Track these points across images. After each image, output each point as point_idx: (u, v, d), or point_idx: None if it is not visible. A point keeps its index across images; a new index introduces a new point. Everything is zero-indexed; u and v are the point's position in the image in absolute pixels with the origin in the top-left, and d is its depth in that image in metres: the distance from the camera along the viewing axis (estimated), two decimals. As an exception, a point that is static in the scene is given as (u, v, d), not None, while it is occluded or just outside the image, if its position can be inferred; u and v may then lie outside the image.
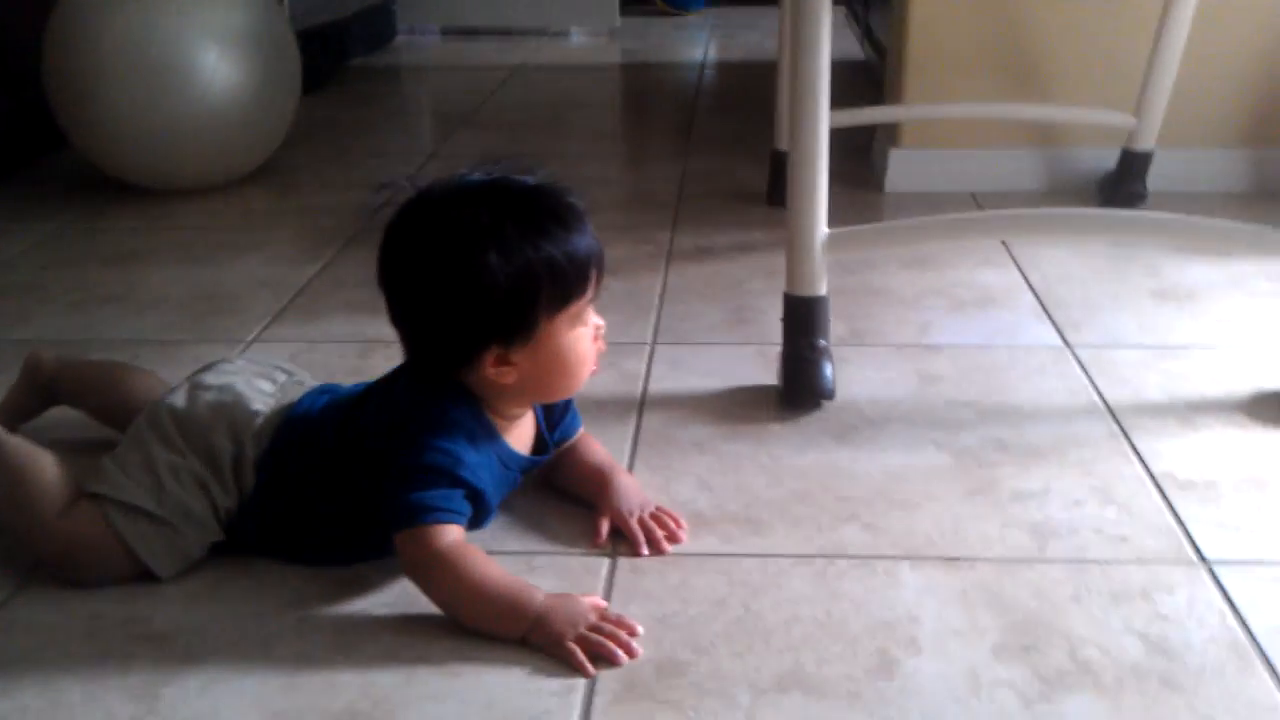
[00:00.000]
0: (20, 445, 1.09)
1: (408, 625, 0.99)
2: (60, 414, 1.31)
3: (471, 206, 0.99)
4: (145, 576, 1.05)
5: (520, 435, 1.10)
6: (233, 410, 1.08)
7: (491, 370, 1.02)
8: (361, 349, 1.54)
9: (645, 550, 1.08)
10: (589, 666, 0.92)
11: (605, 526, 1.10)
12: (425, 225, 1.01)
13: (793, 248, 1.33)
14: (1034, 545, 1.08)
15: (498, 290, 0.98)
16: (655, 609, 1.00)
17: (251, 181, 2.33)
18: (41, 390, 1.31)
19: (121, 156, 2.19)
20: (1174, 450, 1.25)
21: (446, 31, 4.25)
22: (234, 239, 2.01)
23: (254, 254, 1.93)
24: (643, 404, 1.38)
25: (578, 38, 4.23)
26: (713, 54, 3.89)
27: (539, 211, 1.02)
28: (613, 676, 0.92)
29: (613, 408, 1.36)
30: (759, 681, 0.91)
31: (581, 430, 1.19)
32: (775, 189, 2.11)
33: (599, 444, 1.19)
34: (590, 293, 1.05)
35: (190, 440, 1.07)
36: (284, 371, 1.16)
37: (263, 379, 1.13)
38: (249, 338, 1.59)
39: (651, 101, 3.33)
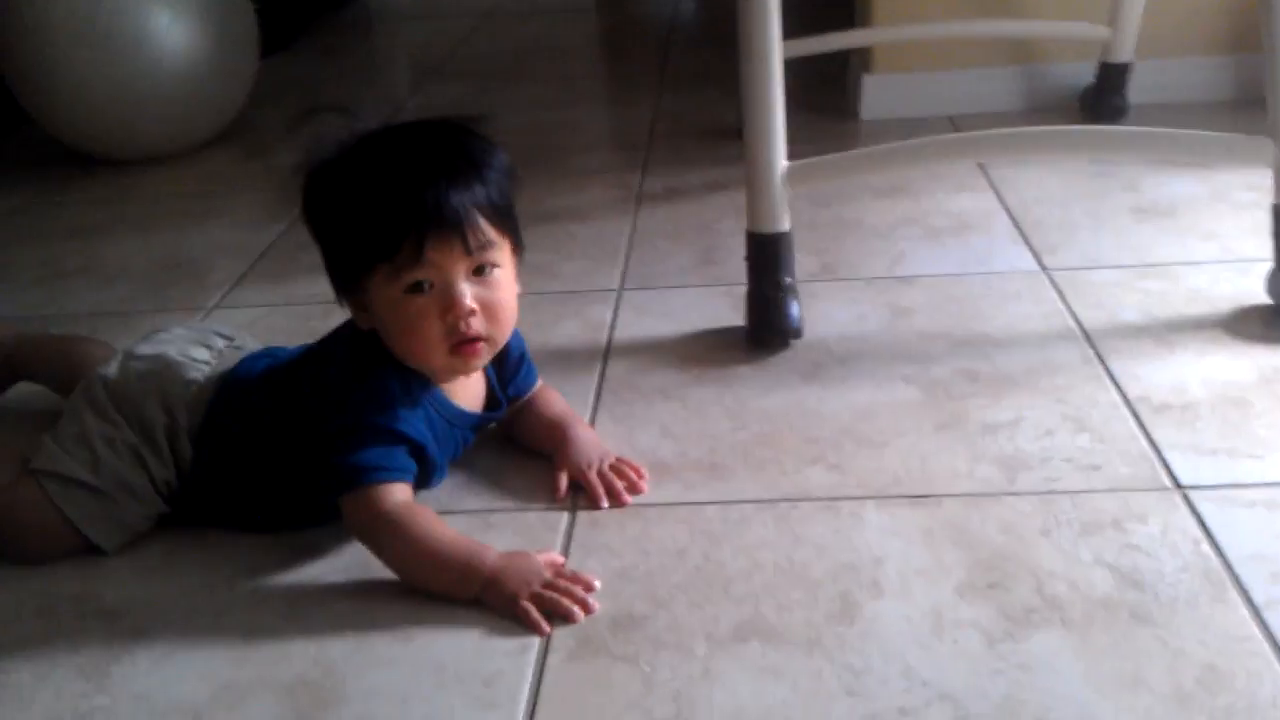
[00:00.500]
0: None
1: (360, 591, 0.97)
2: (29, 391, 1.29)
3: (355, 145, 0.97)
4: (94, 551, 1.03)
5: (468, 393, 1.07)
6: (163, 379, 1.06)
7: (352, 310, 1.01)
8: (325, 309, 1.49)
9: (605, 503, 1.05)
10: (544, 625, 0.90)
11: (564, 481, 1.08)
12: (316, 160, 0.99)
13: (751, 183, 1.30)
14: (1003, 479, 1.06)
15: (324, 233, 0.99)
16: (614, 562, 0.98)
17: (215, 146, 2.28)
18: (1, 366, 1.29)
19: (80, 128, 2.15)
20: (1150, 373, 1.21)
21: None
22: (197, 205, 1.97)
23: (217, 219, 1.89)
24: (608, 352, 1.35)
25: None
26: (690, -11, 3.81)
27: (402, 154, 0.96)
28: (567, 633, 0.90)
29: (577, 357, 1.33)
30: (717, 632, 0.89)
31: (540, 383, 1.16)
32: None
33: (558, 396, 1.17)
34: (408, 257, 0.94)
35: (124, 411, 1.04)
36: (223, 337, 1.14)
37: (198, 346, 1.10)
38: (210, 304, 1.56)
39: (625, 41, 3.26)
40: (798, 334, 1.31)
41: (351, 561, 1.00)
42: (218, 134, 2.29)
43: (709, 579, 0.95)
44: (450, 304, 0.96)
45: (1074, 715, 0.79)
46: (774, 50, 1.24)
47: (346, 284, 1.00)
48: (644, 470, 1.09)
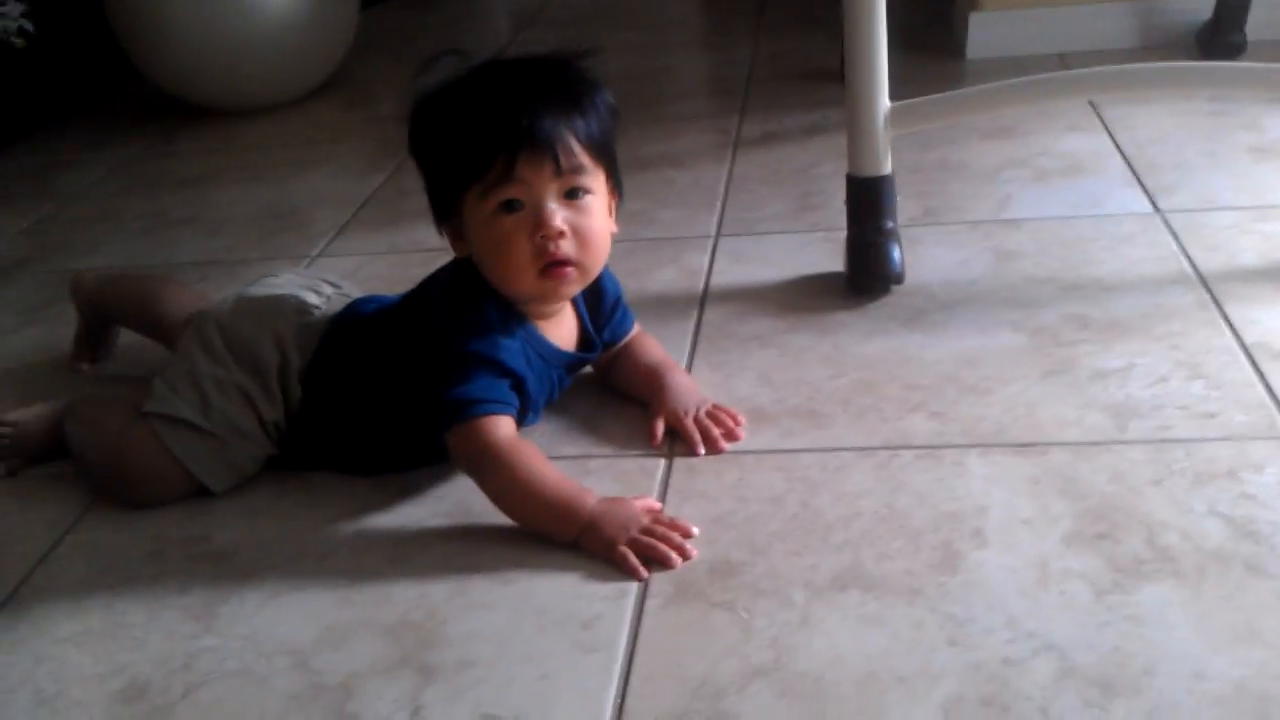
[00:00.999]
0: (90, 399, 1.15)
1: (461, 535, 0.98)
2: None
3: (456, 78, 0.98)
4: (204, 494, 1.06)
5: (561, 332, 1.07)
6: (277, 320, 1.08)
7: (449, 239, 1.02)
8: (425, 258, 1.50)
9: (701, 450, 1.04)
10: (641, 570, 0.90)
11: (660, 428, 1.07)
12: (420, 94, 1.00)
13: (853, 125, 1.27)
14: (1113, 427, 1.03)
15: (424, 161, 1.00)
16: (711, 509, 0.98)
17: (319, 96, 2.31)
18: (89, 311, 1.32)
19: (187, 80, 2.19)
20: (1269, 318, 1.16)
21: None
22: (301, 155, 2.00)
23: (320, 169, 1.92)
24: (704, 299, 1.34)
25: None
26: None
27: (494, 75, 0.97)
28: (665, 579, 0.90)
29: (674, 304, 1.33)
30: (815, 580, 0.88)
31: (637, 329, 1.15)
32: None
33: (655, 342, 1.16)
34: (499, 173, 0.94)
35: (235, 353, 1.06)
36: (331, 284, 1.15)
37: (309, 291, 1.12)
38: (314, 253, 1.58)
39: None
40: (899, 279, 1.28)
41: (453, 506, 1.02)
42: (320, 84, 2.32)
43: (807, 527, 0.94)
44: (540, 223, 0.96)
45: (1184, 669, 0.77)
46: (876, -14, 1.21)
47: (444, 210, 1.01)
48: (741, 417, 1.08)
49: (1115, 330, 1.18)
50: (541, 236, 0.96)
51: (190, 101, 2.25)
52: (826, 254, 1.40)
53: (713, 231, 1.51)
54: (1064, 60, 2.02)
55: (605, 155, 1.00)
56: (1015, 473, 0.98)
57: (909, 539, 0.92)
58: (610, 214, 1.02)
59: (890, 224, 1.28)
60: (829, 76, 2.08)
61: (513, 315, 1.01)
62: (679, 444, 1.07)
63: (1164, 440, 1.00)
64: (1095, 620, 0.82)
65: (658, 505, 0.97)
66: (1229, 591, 0.83)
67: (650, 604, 0.88)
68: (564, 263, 0.97)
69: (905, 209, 1.39)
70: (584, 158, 0.97)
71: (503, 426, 0.97)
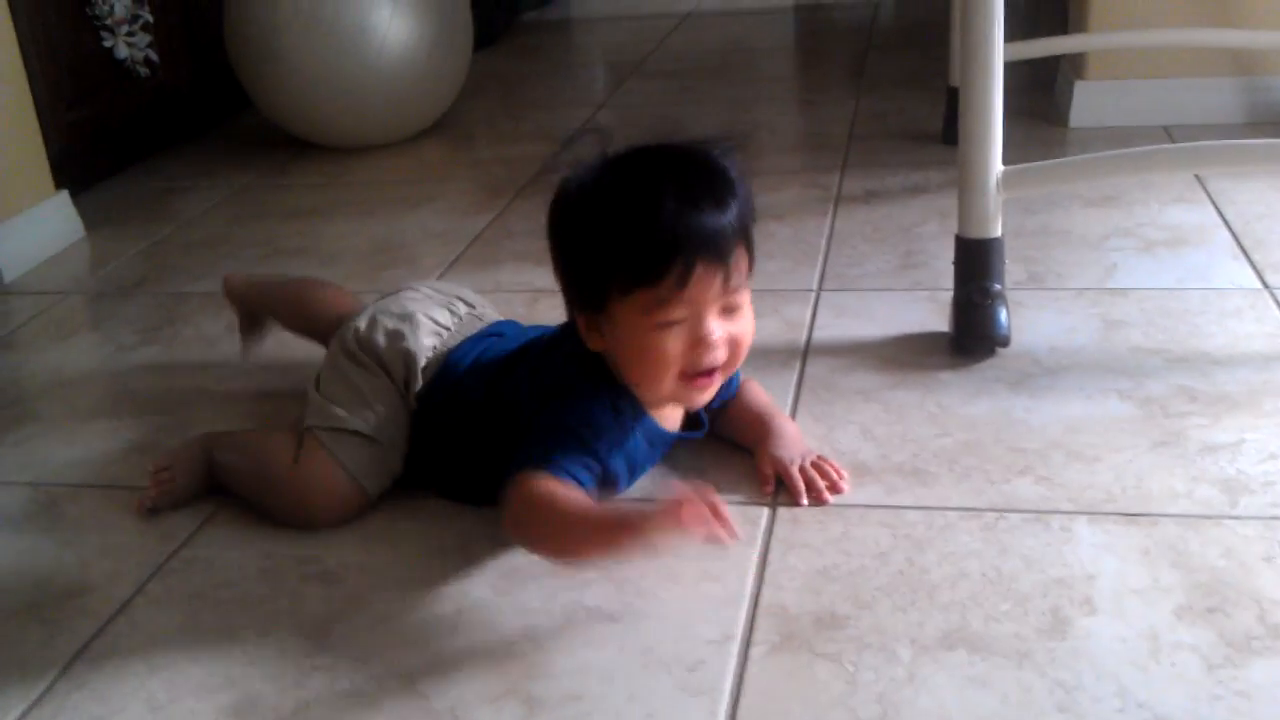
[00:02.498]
0: (248, 430, 1.20)
1: (566, 571, 0.99)
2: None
3: (612, 166, 0.96)
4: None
5: (670, 413, 1.07)
6: (407, 341, 1.10)
7: (584, 331, 0.99)
8: (530, 298, 1.55)
9: (805, 500, 1.05)
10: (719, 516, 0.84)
11: (770, 473, 1.08)
12: (571, 180, 0.98)
13: (965, 186, 1.28)
14: (1224, 501, 1.02)
15: (573, 251, 0.98)
16: (815, 560, 0.98)
17: (427, 136, 2.37)
18: (241, 307, 1.40)
19: (302, 115, 2.26)
20: (1386, 400, 1.15)
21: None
22: (409, 193, 2.05)
23: (428, 206, 1.96)
24: (806, 351, 1.35)
25: (750, -20, 4.15)
26: (889, -9, 3.77)
27: (650, 180, 0.93)
28: (770, 628, 0.91)
29: (776, 355, 1.34)
30: (922, 637, 0.88)
31: (743, 379, 1.16)
32: (951, 127, 2.01)
33: (760, 389, 1.17)
34: (670, 288, 0.92)
35: (381, 364, 1.11)
36: (465, 303, 1.18)
37: (443, 309, 1.15)
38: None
39: (824, 42, 3.24)
40: (1005, 342, 1.28)
41: (558, 542, 1.03)
42: (430, 125, 2.38)
43: (913, 584, 0.95)
44: (699, 341, 0.95)
45: (1302, 750, 0.76)
46: (996, 52, 1.22)
47: (589, 304, 0.98)
48: (845, 471, 1.09)
49: (1224, 404, 1.17)
50: (700, 350, 0.95)
51: (302, 136, 2.31)
52: (930, 313, 1.41)
53: (815, 285, 1.53)
54: (1169, 133, 2.01)
55: (752, 249, 0.98)
56: (1125, 542, 0.97)
57: (1017, 602, 0.91)
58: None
59: (998, 286, 1.29)
60: (930, 138, 2.09)
61: (629, 407, 1.01)
62: (783, 493, 1.07)
63: (1276, 517, 0.99)
64: (1207, 693, 0.81)
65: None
66: (1347, 674, 0.82)
67: (755, 651, 0.89)
68: (712, 370, 0.97)
69: (1010, 273, 1.39)
70: (744, 267, 0.96)
71: (546, 480, 0.95)
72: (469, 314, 1.17)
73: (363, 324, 1.14)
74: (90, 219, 1.98)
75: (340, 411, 1.08)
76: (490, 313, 1.20)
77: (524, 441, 0.99)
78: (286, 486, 1.09)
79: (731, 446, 1.14)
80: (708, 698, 0.84)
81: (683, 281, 0.92)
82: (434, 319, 1.14)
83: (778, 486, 1.08)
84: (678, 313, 0.94)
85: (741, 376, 1.16)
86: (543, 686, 0.87)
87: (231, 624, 0.97)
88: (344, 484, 1.07)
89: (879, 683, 0.84)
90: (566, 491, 0.94)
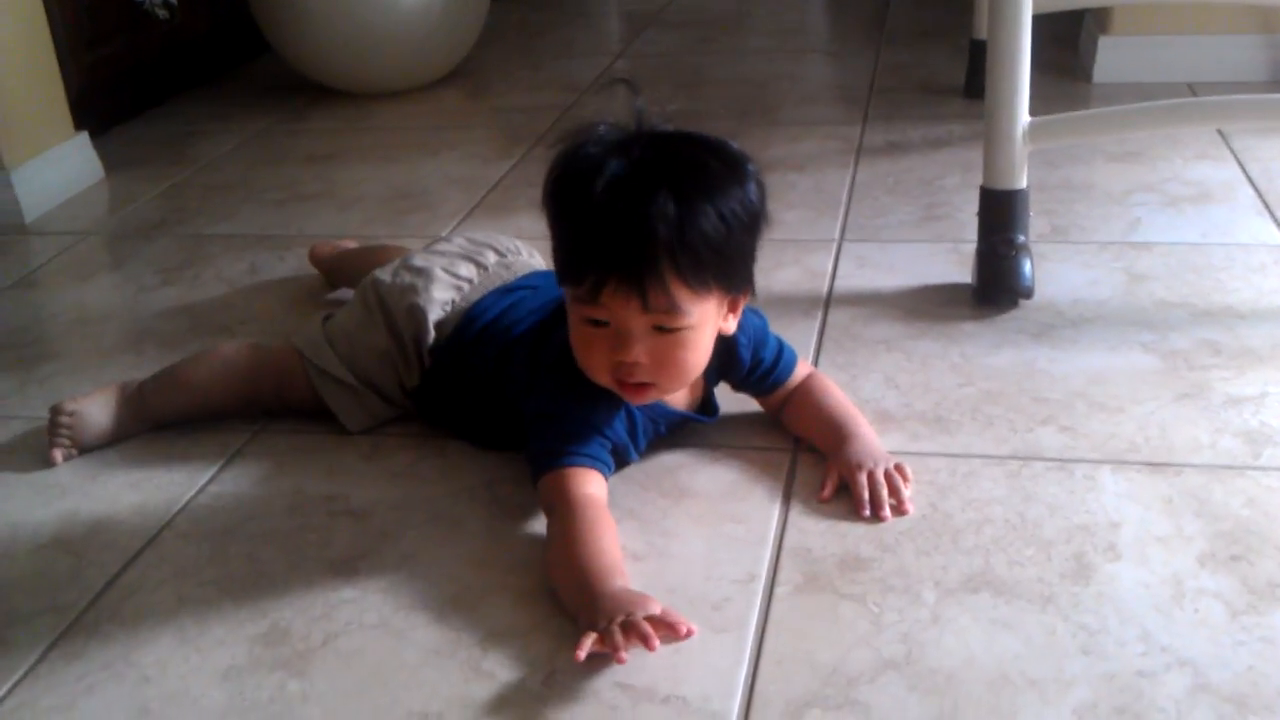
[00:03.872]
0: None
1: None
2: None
3: (607, 150, 0.90)
4: (343, 435, 1.13)
5: (677, 395, 1.04)
6: (418, 297, 1.11)
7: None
8: (549, 246, 1.55)
9: (865, 511, 0.96)
10: (622, 652, 0.80)
11: (833, 482, 1.00)
12: (566, 154, 0.93)
13: (991, 137, 1.27)
14: (1248, 452, 1.02)
15: (553, 231, 0.94)
16: (838, 505, 0.99)
17: (445, 84, 2.36)
18: (326, 277, 1.46)
19: (321, 61, 2.24)
20: None
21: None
22: (428, 139, 2.04)
23: (447, 153, 1.96)
24: (828, 301, 1.35)
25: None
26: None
27: (631, 184, 0.88)
28: (793, 568, 0.92)
29: (797, 304, 1.34)
30: (946, 580, 0.89)
31: (808, 371, 1.10)
32: (973, 80, 2.01)
33: (834, 387, 1.09)
34: (590, 294, 0.89)
35: (386, 316, 1.12)
36: (497, 252, 1.17)
37: (468, 262, 1.15)
38: (444, 233, 1.62)
39: (844, -4, 3.22)
40: (1029, 294, 1.28)
41: (582, 483, 1.04)
42: (448, 73, 2.36)
43: (937, 529, 0.95)
44: (618, 347, 0.92)
45: (1324, 695, 0.77)
46: (1025, 1, 1.21)
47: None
48: (910, 483, 1.00)
49: (1248, 358, 1.17)
50: (617, 358, 0.92)
51: (320, 81, 2.30)
52: (952, 264, 1.41)
53: (836, 235, 1.52)
54: (1192, 89, 1.99)
55: (726, 271, 0.92)
56: (1149, 491, 0.98)
57: (1040, 548, 0.92)
58: (726, 317, 0.97)
59: (1022, 238, 1.29)
60: (953, 91, 2.08)
61: None
62: (803, 445, 1.07)
63: (1300, 469, 0.99)
64: (1230, 639, 0.82)
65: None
66: (1370, 622, 0.82)
67: (779, 590, 0.90)
68: (640, 384, 0.94)
69: (1033, 226, 1.39)
70: (680, 296, 0.89)
71: (589, 482, 0.95)
72: (498, 264, 1.16)
73: (385, 275, 1.15)
74: (109, 161, 1.98)
75: (329, 353, 1.13)
76: (525, 261, 1.19)
77: (530, 429, 0.99)
78: (253, 368, 1.16)
79: (750, 402, 1.13)
80: (733, 634, 0.85)
81: (594, 293, 0.89)
82: (454, 272, 1.14)
83: (798, 443, 1.08)
84: (596, 314, 0.91)
85: (808, 369, 1.11)
86: (571, 623, 0.87)
87: (259, 557, 0.98)
88: (308, 395, 1.14)
89: (903, 623, 0.85)
90: (588, 518, 0.91)
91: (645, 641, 0.80)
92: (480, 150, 1.97)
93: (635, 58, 2.53)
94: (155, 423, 1.18)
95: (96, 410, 1.16)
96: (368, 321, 1.13)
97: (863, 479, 0.99)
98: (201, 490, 1.08)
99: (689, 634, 0.82)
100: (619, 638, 0.80)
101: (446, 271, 1.13)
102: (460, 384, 1.09)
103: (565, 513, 0.93)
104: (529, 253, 1.21)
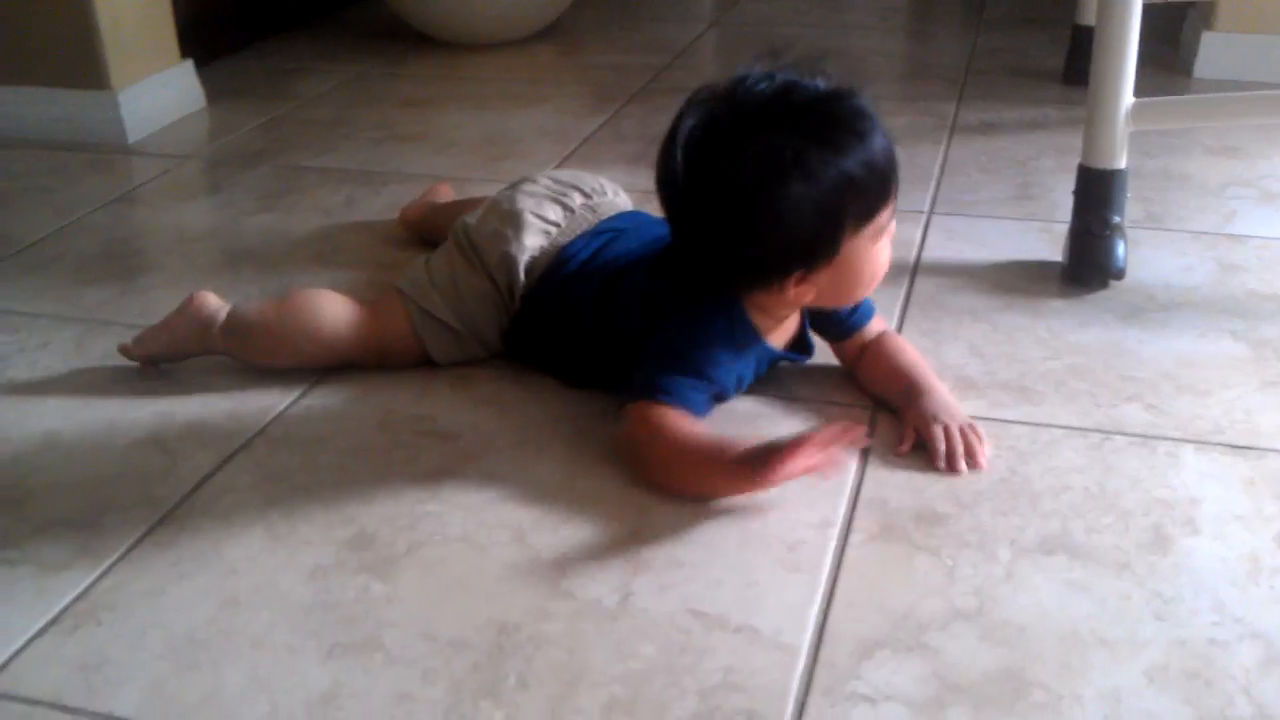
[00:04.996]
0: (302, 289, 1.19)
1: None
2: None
3: (768, 134, 0.93)
4: (429, 367, 1.15)
5: (781, 333, 1.07)
6: (510, 245, 1.12)
7: (793, 291, 0.98)
8: (639, 199, 1.56)
9: (941, 463, 0.98)
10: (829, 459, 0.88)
11: (910, 437, 1.02)
12: (725, 156, 0.93)
13: (1093, 115, 1.26)
14: (1334, 442, 1.02)
15: (806, 222, 0.94)
16: (916, 462, 1.00)
17: (540, 39, 2.38)
18: (416, 236, 1.45)
19: (421, 9, 2.28)
20: None
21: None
22: (522, 90, 2.06)
23: (540, 106, 1.98)
24: (915, 270, 1.35)
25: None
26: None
27: (834, 126, 0.94)
28: (870, 519, 0.93)
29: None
30: (1022, 540, 0.90)
31: (882, 325, 1.12)
32: (1073, 66, 1.99)
33: (908, 345, 1.11)
34: (893, 200, 0.98)
35: (483, 261, 1.13)
36: (582, 193, 1.19)
37: (554, 204, 1.16)
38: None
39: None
40: (1120, 275, 1.28)
41: (664, 423, 1.06)
42: (544, 28, 2.38)
43: (1015, 491, 0.96)
44: (890, 236, 1.01)
45: (1400, 677, 0.77)
46: (1141, -21, 1.20)
47: (817, 260, 0.97)
48: (986, 442, 1.00)
49: (1340, 353, 1.16)
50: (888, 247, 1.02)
51: (420, 30, 2.34)
52: (1043, 243, 1.40)
53: (926, 208, 1.52)
54: (1298, 90, 1.96)
55: None
56: (1231, 471, 0.98)
57: (1119, 517, 0.92)
58: None
59: (1117, 219, 1.28)
60: (1051, 76, 2.06)
61: (745, 328, 1.02)
62: (882, 406, 1.08)
63: (1387, 463, 0.99)
64: (1306, 618, 0.82)
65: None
66: None
67: (854, 537, 0.91)
68: None
69: (1129, 211, 1.38)
70: None
71: (685, 422, 0.97)
72: (584, 206, 1.17)
73: (474, 220, 1.17)
74: (212, 91, 2.03)
75: (436, 297, 1.13)
76: (611, 201, 1.20)
77: (639, 366, 1.01)
78: (353, 320, 1.13)
79: (830, 357, 1.14)
80: (807, 575, 0.87)
81: (896, 190, 0.99)
82: (542, 216, 1.15)
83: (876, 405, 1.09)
84: (886, 231, 1.00)
85: (883, 325, 1.13)
86: (648, 551, 0.89)
87: (348, 467, 1.01)
88: (412, 348, 1.14)
89: (977, 577, 0.86)
90: (678, 425, 0.96)
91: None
92: (572, 105, 1.99)
93: (731, 26, 2.54)
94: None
95: (162, 346, 1.16)
96: (466, 266, 1.14)
97: (939, 431, 1.00)
98: (294, 403, 1.11)
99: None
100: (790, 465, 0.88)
101: (535, 215, 1.14)
102: (550, 325, 1.11)
103: (659, 435, 0.96)
104: (614, 191, 1.23)
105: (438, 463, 1.01)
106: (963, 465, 0.98)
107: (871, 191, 0.95)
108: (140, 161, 1.77)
